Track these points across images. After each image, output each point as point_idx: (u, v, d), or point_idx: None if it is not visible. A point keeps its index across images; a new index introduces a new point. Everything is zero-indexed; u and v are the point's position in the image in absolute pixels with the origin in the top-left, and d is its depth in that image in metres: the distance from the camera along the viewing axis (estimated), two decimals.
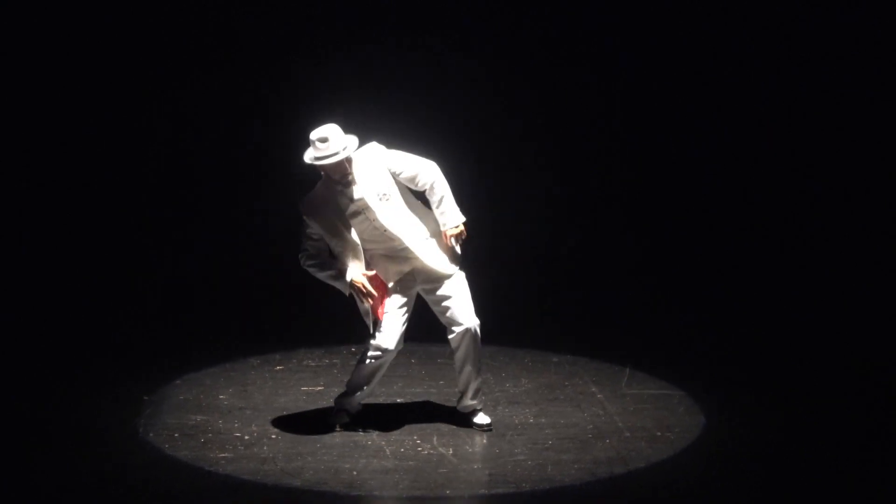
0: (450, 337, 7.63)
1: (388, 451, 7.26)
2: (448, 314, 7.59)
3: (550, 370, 8.98)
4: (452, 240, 7.53)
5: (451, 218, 7.52)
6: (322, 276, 7.62)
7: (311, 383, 8.61)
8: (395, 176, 7.50)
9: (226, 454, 7.18)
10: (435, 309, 7.66)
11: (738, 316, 10.19)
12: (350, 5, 11.05)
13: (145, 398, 8.16)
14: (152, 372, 8.71)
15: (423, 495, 6.66)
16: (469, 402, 7.75)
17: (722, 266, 10.88)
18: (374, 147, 7.52)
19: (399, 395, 8.38)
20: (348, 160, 7.36)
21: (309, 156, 7.37)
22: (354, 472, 6.93)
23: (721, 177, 11.04)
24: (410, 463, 7.09)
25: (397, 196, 7.51)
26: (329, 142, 7.29)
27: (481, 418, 7.75)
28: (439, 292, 7.57)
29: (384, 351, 7.55)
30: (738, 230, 10.98)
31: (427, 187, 7.52)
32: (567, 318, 10.34)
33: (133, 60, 10.91)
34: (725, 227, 11.04)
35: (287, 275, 10.85)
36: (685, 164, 11.10)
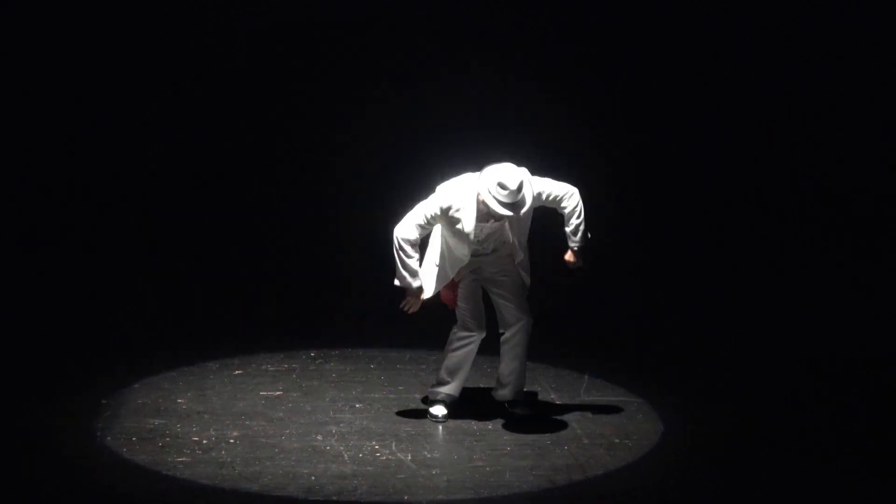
0: (504, 330, 7.94)
1: (346, 457, 7.26)
2: (507, 309, 7.86)
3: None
4: (574, 258, 7.85)
5: (578, 238, 7.79)
6: (402, 263, 7.69)
7: (270, 388, 8.58)
8: (540, 201, 7.64)
9: (184, 458, 7.16)
10: (496, 301, 7.92)
11: (697, 324, 10.22)
12: (349, 5, 11.05)
13: (103, 402, 8.12)
14: (110, 375, 8.67)
15: (381, 501, 6.65)
16: (504, 392, 8.04)
17: (682, 275, 10.90)
18: (524, 173, 7.53)
19: (358, 400, 8.36)
20: None
21: (497, 200, 7.34)
22: (313, 478, 6.92)
23: (722, 176, 11.01)
24: (369, 468, 7.08)
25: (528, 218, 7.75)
26: (522, 191, 7.40)
27: (522, 409, 8.05)
28: (502, 290, 7.85)
29: (474, 335, 7.86)
30: (715, 236, 10.97)
31: (568, 210, 7.73)
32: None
33: (133, 60, 10.88)
34: (698, 232, 11.04)
35: (247, 279, 10.90)
36: (685, 163, 11.08)
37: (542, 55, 11.14)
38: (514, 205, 7.36)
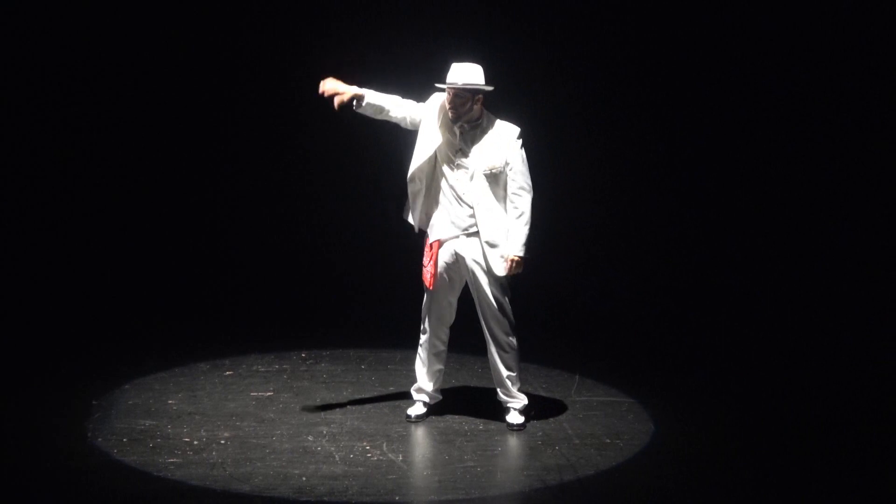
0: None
1: (337, 458, 7.25)
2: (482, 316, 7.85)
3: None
4: (509, 264, 7.66)
5: (517, 247, 7.64)
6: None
7: (261, 389, 8.58)
8: (504, 166, 7.66)
9: (174, 459, 7.15)
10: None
11: (689, 324, 10.24)
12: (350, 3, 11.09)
13: (94, 402, 8.12)
14: (101, 376, 8.66)
15: (372, 501, 6.65)
16: (501, 396, 7.97)
17: (675, 276, 10.92)
18: (514, 131, 7.70)
19: (349, 400, 8.36)
20: (473, 102, 7.61)
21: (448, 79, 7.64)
22: (304, 478, 6.91)
23: (717, 177, 10.99)
24: (360, 469, 7.08)
25: (499, 184, 7.68)
26: (464, 72, 7.59)
27: (512, 417, 7.93)
28: (480, 296, 7.80)
29: (434, 332, 7.86)
30: (708, 238, 10.98)
31: (515, 205, 7.67)
32: (517, 325, 10.35)
33: (135, 60, 10.90)
34: (672, 235, 11.07)
35: (237, 280, 10.90)
36: (680, 163, 11.07)
37: (538, 55, 11.13)
38: (459, 73, 7.60)
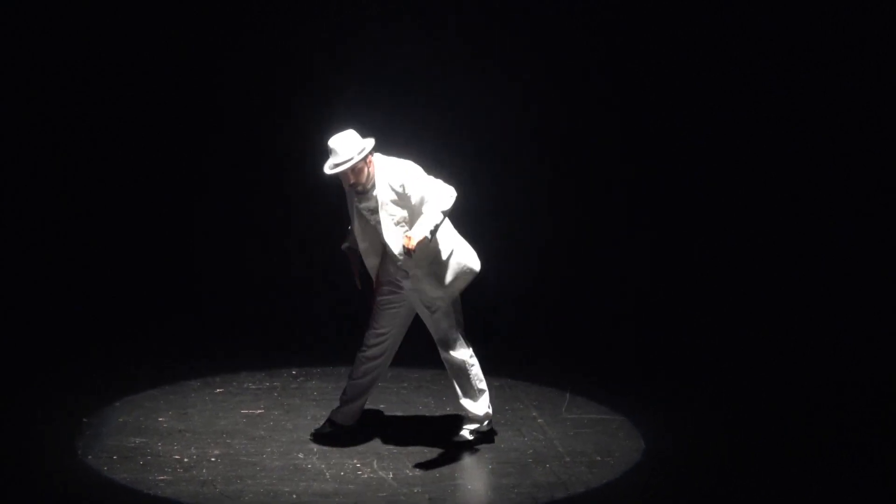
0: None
1: (328, 475, 7.25)
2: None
3: (491, 394, 8.96)
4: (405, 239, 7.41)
5: (416, 229, 7.33)
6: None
7: (252, 406, 8.57)
8: (403, 193, 7.54)
9: (165, 477, 7.14)
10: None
11: (679, 341, 10.25)
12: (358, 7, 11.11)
13: (84, 420, 8.11)
14: (92, 394, 8.65)
15: None
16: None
17: (664, 293, 10.93)
18: (399, 176, 7.53)
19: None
20: (366, 165, 7.49)
21: (327, 165, 7.50)
22: (294, 496, 6.91)
23: (704, 191, 10.99)
24: (350, 486, 7.08)
25: (401, 212, 7.58)
26: (339, 150, 7.44)
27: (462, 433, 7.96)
28: (427, 317, 7.79)
29: (370, 357, 7.87)
30: (695, 255, 10.99)
31: (427, 206, 7.49)
32: (508, 342, 10.36)
33: (136, 60, 10.92)
34: (660, 250, 11.07)
35: (228, 296, 10.89)
36: (667, 177, 11.07)
37: (536, 54, 11.13)
38: (337, 164, 7.45)
